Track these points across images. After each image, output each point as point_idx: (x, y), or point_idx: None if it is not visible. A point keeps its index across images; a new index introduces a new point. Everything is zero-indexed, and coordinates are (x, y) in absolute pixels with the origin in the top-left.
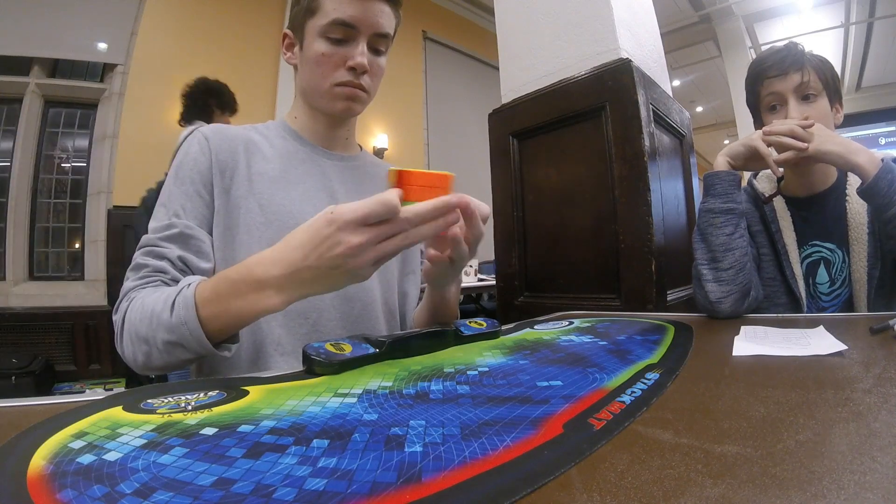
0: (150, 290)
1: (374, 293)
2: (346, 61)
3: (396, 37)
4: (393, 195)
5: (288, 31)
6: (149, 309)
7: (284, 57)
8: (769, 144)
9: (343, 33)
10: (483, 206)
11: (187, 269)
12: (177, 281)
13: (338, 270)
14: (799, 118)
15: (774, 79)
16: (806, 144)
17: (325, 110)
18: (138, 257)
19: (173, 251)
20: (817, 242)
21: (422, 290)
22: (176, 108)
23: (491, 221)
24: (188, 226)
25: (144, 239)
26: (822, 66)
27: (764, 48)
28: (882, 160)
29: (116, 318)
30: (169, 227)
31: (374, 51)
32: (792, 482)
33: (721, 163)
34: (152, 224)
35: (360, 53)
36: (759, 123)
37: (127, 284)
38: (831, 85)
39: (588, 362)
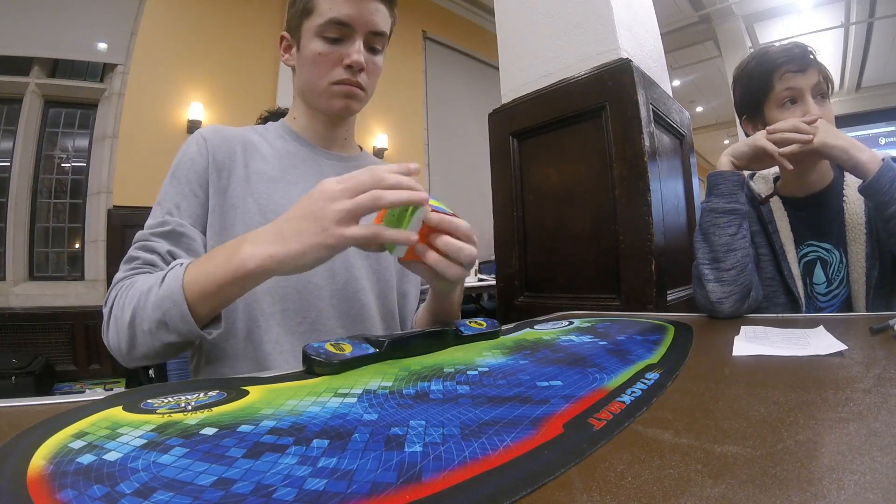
0: (141, 276)
1: (371, 293)
2: (342, 60)
3: (396, 37)
4: (384, 169)
5: (285, 34)
6: (138, 289)
7: (282, 59)
8: (774, 142)
9: (339, 32)
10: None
11: None
12: None
13: (311, 219)
14: (818, 115)
15: (795, 74)
16: (811, 137)
17: (323, 109)
18: (131, 251)
19: (164, 246)
20: (814, 242)
21: (422, 292)
22: (176, 109)
23: (491, 221)
24: (181, 223)
25: (138, 234)
26: (824, 69)
27: None
28: (882, 159)
29: (105, 308)
30: (162, 225)
31: (371, 49)
32: (792, 482)
33: (725, 163)
34: (147, 221)
35: (356, 51)
36: (759, 117)
37: (117, 275)
38: (830, 85)
39: (588, 362)
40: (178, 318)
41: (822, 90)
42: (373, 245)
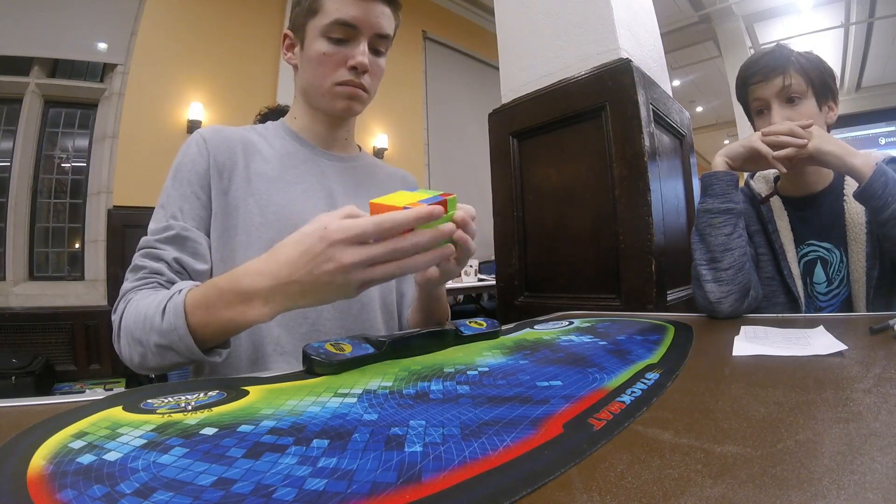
0: (145, 293)
1: (373, 293)
2: (347, 61)
3: (396, 36)
4: (385, 219)
5: (288, 32)
6: (142, 312)
7: (284, 57)
8: (769, 144)
9: (344, 33)
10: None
11: (183, 270)
12: (173, 282)
13: (326, 287)
14: (780, 122)
15: (758, 85)
16: (805, 141)
17: (325, 110)
18: (137, 259)
19: (170, 253)
20: (814, 242)
21: None
22: (176, 109)
23: (491, 221)
24: (185, 227)
25: (143, 241)
26: (808, 67)
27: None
28: (876, 164)
29: (115, 318)
30: (166, 229)
31: (374, 51)
32: (792, 482)
33: (719, 163)
34: (151, 226)
35: (361, 53)
36: (754, 126)
37: (125, 286)
38: (819, 85)
39: (588, 362)
40: (185, 349)
41: (793, 92)
42: None
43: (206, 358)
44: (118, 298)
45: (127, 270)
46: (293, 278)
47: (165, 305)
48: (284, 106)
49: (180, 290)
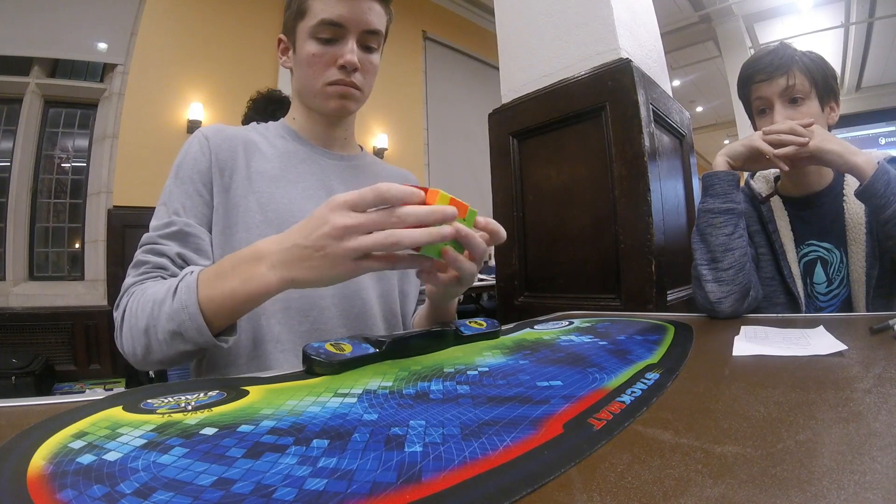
0: (153, 283)
1: (373, 292)
2: (336, 60)
3: (396, 37)
4: (387, 186)
5: (282, 36)
6: (150, 298)
7: (280, 61)
8: (770, 143)
9: (332, 33)
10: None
11: (186, 265)
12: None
13: (321, 253)
14: (782, 121)
15: (761, 83)
16: (807, 139)
17: (319, 110)
18: (139, 255)
19: (173, 248)
20: (814, 242)
21: (421, 292)
22: (176, 109)
23: None
24: (188, 224)
25: (145, 237)
26: (812, 67)
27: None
28: (878, 162)
29: (117, 313)
30: (169, 226)
31: (366, 48)
32: (792, 482)
33: (720, 163)
34: (153, 222)
35: (349, 51)
36: (754, 125)
37: (127, 280)
38: (822, 85)
39: (588, 362)
40: (195, 330)
41: (797, 93)
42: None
43: (214, 341)
44: (120, 294)
45: (129, 266)
46: (297, 241)
47: (178, 285)
48: (275, 91)
49: (192, 271)
